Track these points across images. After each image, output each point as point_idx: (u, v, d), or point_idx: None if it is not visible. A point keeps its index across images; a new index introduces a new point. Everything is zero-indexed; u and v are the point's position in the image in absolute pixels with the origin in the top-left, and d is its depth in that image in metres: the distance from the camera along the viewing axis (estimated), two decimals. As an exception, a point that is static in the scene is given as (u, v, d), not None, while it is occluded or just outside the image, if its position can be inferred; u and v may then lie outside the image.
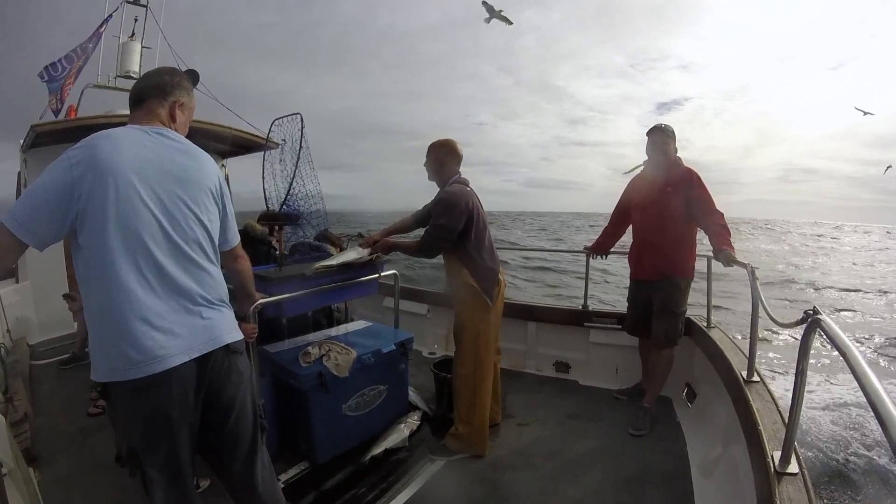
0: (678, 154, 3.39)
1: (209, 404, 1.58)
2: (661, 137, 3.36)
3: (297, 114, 3.21)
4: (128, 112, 1.68)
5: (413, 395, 3.48)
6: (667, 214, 3.28)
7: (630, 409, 3.50)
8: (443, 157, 2.99)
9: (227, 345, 1.60)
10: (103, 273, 1.39)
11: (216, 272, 1.66)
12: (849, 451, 4.77)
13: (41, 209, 1.33)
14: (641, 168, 3.53)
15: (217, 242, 1.70)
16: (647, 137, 3.45)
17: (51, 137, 4.70)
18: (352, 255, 2.97)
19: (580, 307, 4.30)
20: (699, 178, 3.25)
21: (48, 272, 5.34)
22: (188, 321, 1.50)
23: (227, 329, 1.63)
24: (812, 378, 6.30)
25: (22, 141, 5.06)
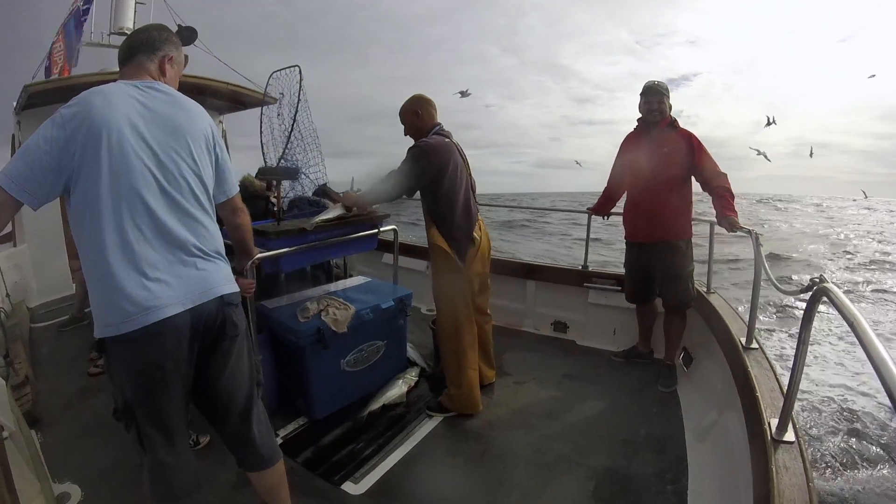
0: (672, 113, 3.27)
1: (204, 357, 1.58)
2: (655, 96, 3.23)
3: (296, 66, 3.12)
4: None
5: (411, 352, 3.50)
6: (662, 179, 3.20)
7: (631, 370, 3.56)
8: (416, 109, 2.88)
9: (222, 296, 1.59)
10: (98, 227, 1.37)
11: (211, 224, 1.64)
12: (847, 423, 4.83)
13: (36, 167, 1.32)
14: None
15: (213, 193, 1.68)
16: (640, 97, 3.33)
17: (44, 97, 4.60)
18: (337, 211, 2.91)
19: (580, 267, 4.29)
20: (698, 141, 3.15)
21: (46, 235, 5.30)
22: (183, 272, 1.49)
23: (223, 281, 1.61)
24: (815, 349, 6.35)
25: (14, 103, 4.94)
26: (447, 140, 2.81)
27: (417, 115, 2.87)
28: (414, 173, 2.69)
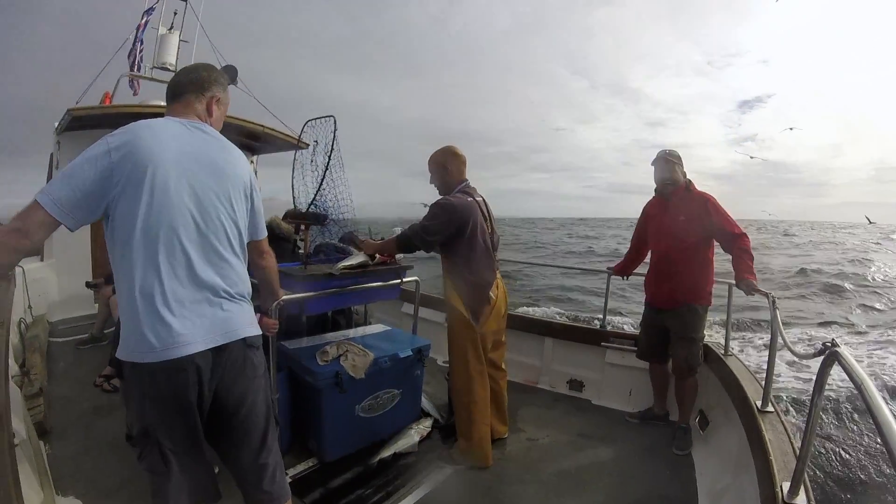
0: (688, 177, 3.35)
1: (221, 396, 1.61)
2: (665, 166, 3.34)
3: (331, 116, 3.27)
4: (161, 102, 1.75)
5: (426, 402, 3.50)
6: (682, 245, 3.25)
7: (645, 431, 3.51)
8: (445, 163, 2.94)
9: (244, 338, 1.64)
10: (133, 259, 1.43)
11: (241, 267, 1.71)
12: (858, 487, 4.69)
13: (79, 191, 1.36)
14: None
15: (245, 237, 1.75)
16: (652, 166, 3.43)
17: (85, 122, 4.89)
18: (360, 258, 2.99)
19: (598, 326, 4.29)
20: (714, 203, 3.20)
21: (73, 252, 5.50)
22: (208, 312, 1.54)
23: (246, 323, 1.67)
24: (832, 409, 6.17)
25: (57, 123, 5.24)
26: (470, 199, 2.87)
27: (446, 171, 2.94)
28: (431, 231, 2.77)
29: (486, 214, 2.97)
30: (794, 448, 2.15)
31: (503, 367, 3.24)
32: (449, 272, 2.89)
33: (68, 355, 4.39)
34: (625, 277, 4.02)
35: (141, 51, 5.92)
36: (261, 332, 1.76)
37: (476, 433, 2.88)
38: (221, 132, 1.75)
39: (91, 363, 4.12)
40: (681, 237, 3.25)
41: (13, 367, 3.23)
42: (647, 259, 3.71)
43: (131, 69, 5.80)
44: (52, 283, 5.55)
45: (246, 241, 1.79)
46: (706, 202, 3.21)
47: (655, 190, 3.48)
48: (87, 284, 4.71)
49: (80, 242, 5.46)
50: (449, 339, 2.98)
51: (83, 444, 2.88)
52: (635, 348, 3.88)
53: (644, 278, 3.64)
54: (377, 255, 3.05)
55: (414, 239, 2.81)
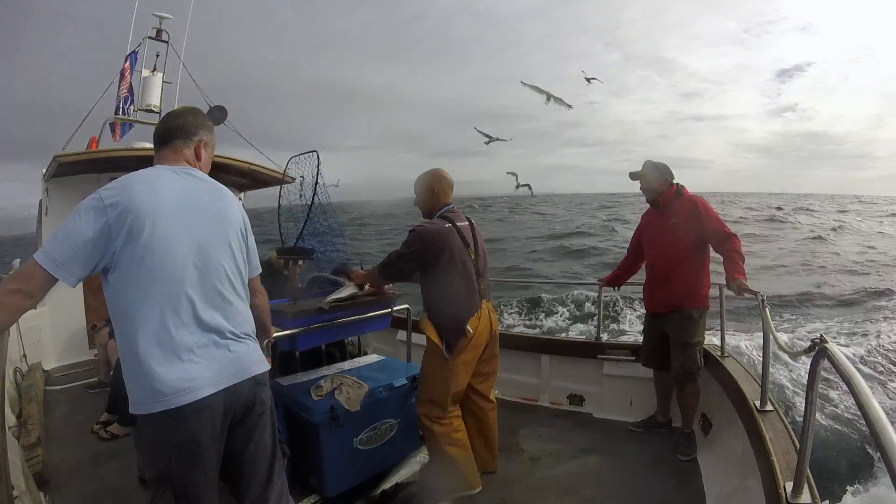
0: (678, 182, 3.42)
1: (231, 431, 1.64)
2: (642, 179, 3.46)
3: (314, 151, 3.31)
4: (146, 144, 1.79)
5: (425, 429, 3.47)
6: (675, 249, 3.31)
7: (649, 440, 3.52)
8: (433, 187, 2.89)
9: (254, 376, 1.67)
10: (138, 311, 1.46)
11: (244, 307, 1.75)
12: (863, 480, 4.70)
13: (79, 249, 1.40)
14: None
15: (245, 277, 1.79)
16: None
17: (72, 167, 4.90)
18: (349, 290, 3.00)
19: (593, 339, 4.30)
20: (704, 205, 3.28)
21: (67, 299, 5.44)
22: (216, 354, 1.57)
23: (254, 361, 1.71)
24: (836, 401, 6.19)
25: (44, 170, 5.25)
26: (448, 225, 2.78)
27: (433, 193, 2.89)
28: (406, 258, 2.74)
29: (472, 239, 2.88)
30: (795, 446, 2.17)
31: (492, 398, 3.09)
32: (425, 301, 2.83)
33: (64, 403, 4.37)
34: (616, 288, 4.05)
35: (126, 94, 5.94)
36: (268, 368, 1.80)
37: (450, 461, 2.79)
38: (209, 172, 1.79)
39: (88, 410, 4.09)
40: (674, 241, 3.32)
41: (10, 418, 3.21)
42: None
43: (116, 113, 5.82)
44: (46, 331, 5.51)
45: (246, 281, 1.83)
46: (696, 204, 3.29)
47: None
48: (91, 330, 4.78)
49: (72, 289, 5.43)
50: (422, 368, 2.91)
51: (82, 494, 2.86)
52: (632, 358, 3.89)
53: (642, 287, 3.69)
54: (367, 286, 3.05)
55: (391, 267, 2.80)
